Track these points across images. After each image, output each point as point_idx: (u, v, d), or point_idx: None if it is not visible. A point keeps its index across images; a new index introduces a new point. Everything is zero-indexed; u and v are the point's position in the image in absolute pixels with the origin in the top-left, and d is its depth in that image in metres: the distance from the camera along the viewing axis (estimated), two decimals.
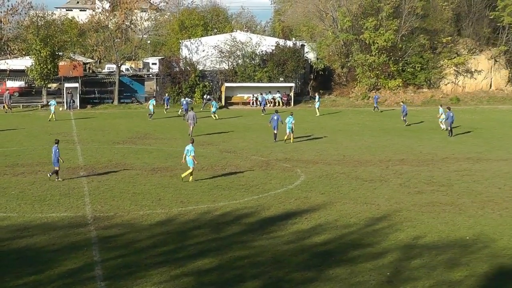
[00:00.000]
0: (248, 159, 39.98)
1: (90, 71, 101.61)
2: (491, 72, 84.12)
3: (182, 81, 74.69)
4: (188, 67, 75.65)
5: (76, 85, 73.46)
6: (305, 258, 21.65)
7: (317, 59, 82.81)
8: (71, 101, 71.61)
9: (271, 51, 77.56)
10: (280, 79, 76.72)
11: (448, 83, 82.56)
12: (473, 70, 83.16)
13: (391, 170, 37.08)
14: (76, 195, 30.15)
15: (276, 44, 78.48)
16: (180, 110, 64.95)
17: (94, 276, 19.69)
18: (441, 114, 55.84)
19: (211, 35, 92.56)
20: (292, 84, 76.55)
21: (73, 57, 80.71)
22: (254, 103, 75.16)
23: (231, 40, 78.49)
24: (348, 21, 77.81)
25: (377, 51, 77.03)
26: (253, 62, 77.46)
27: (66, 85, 72.83)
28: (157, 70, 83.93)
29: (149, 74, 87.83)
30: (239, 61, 77.81)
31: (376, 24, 77.08)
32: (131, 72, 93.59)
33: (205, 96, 72.84)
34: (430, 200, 29.89)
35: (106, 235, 23.84)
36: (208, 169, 36.89)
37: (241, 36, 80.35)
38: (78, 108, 71.86)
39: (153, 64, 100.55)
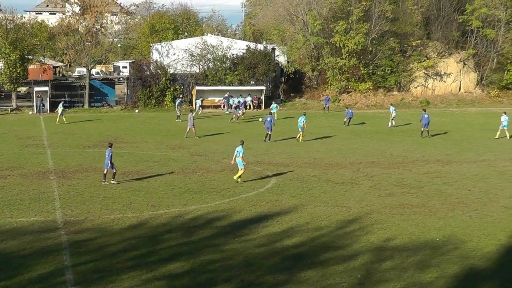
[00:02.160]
0: (219, 162, 39.93)
1: (60, 74, 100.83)
2: (460, 75, 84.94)
3: (153, 84, 74.48)
4: (158, 71, 75.49)
5: (46, 88, 72.91)
6: (276, 261, 21.65)
7: (288, 62, 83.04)
8: (41, 105, 71.05)
9: (242, 55, 77.62)
10: (251, 82, 76.78)
11: (418, 86, 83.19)
12: (442, 73, 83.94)
13: (362, 172, 37.23)
14: (46, 200, 29.89)
15: (247, 48, 78.56)
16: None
17: (65, 281, 19.53)
18: (392, 112, 58.89)
19: (181, 38, 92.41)
20: (263, 88, 76.66)
21: (43, 60, 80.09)
22: (225, 106, 75.11)
23: (202, 44, 78.44)
24: (318, 24, 78.11)
25: (347, 54, 77.45)
26: (224, 65, 77.49)
27: (36, 89, 72.26)
28: (128, 74, 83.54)
29: (119, 78, 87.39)
30: (210, 64, 77.80)
31: (346, 27, 77.48)
32: (102, 75, 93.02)
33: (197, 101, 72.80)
34: (400, 202, 30.06)
35: (76, 239, 23.66)
36: (179, 173, 36.80)
37: (212, 39, 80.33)
38: (48, 112, 71.32)
39: (123, 67, 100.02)
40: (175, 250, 22.67)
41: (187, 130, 51.31)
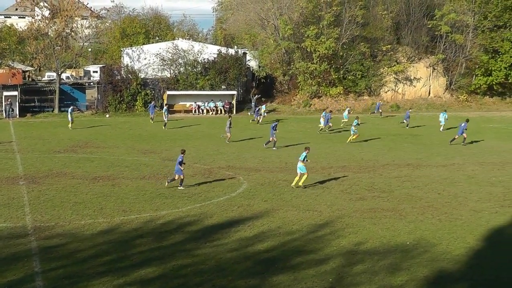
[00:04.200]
0: (191, 167, 39.83)
1: (30, 79, 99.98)
2: (429, 79, 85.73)
3: (123, 89, 74.12)
4: (129, 75, 75.12)
5: (15, 93, 72.21)
6: (248, 265, 21.69)
7: (259, 67, 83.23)
8: (10, 109, 70.38)
9: (213, 59, 77.53)
10: (222, 87, 76.74)
11: (388, 90, 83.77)
12: (412, 77, 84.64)
13: (333, 177, 37.39)
14: (16, 205, 29.62)
15: (218, 52, 78.50)
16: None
17: (35, 287, 19.40)
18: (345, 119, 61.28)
19: (153, 43, 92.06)
20: (234, 92, 76.63)
21: (12, 65, 79.24)
22: (197, 111, 75.05)
23: (173, 48, 78.20)
24: (289, 29, 78.35)
25: (318, 59, 77.73)
26: (195, 70, 77.31)
27: (5, 93, 71.53)
28: (98, 78, 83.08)
29: (90, 82, 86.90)
30: (181, 69, 77.57)
31: (317, 32, 77.76)
32: (72, 80, 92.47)
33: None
34: (371, 206, 30.25)
35: (47, 245, 23.48)
36: (150, 178, 36.69)
37: (183, 44, 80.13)
38: (18, 116, 70.68)
39: (94, 72, 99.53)
40: (147, 255, 22.60)
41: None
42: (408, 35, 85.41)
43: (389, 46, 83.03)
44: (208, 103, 75.48)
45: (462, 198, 32.52)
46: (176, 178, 33.95)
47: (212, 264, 21.76)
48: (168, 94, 74.23)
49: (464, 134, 51.61)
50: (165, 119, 61.01)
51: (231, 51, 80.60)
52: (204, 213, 28.73)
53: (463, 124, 51.86)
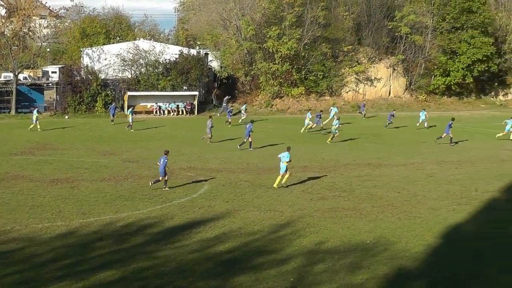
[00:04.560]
0: (152, 169, 39.57)
1: None
2: (390, 80, 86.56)
3: (83, 90, 73.37)
4: (89, 76, 74.41)
5: None
6: (209, 266, 21.59)
7: (221, 67, 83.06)
8: None
9: (174, 60, 77.20)
10: (184, 87, 76.47)
11: (349, 90, 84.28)
12: (373, 78, 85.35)
13: (294, 177, 37.24)
14: None
15: (179, 53, 78.22)
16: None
17: None
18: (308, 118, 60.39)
19: (113, 43, 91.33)
20: (196, 93, 76.40)
21: None
22: (158, 111, 74.67)
23: (134, 48, 77.69)
24: (251, 29, 78.36)
25: (280, 59, 77.89)
26: (156, 70, 76.89)
27: None
28: (57, 79, 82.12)
29: (48, 83, 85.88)
30: (142, 69, 77.10)
31: (279, 32, 77.92)
32: (30, 80, 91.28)
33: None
34: (332, 206, 30.35)
35: (2, 250, 23.03)
36: (110, 180, 36.34)
37: (144, 44, 79.66)
38: None
39: (53, 72, 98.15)
40: (106, 258, 22.36)
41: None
42: (369, 36, 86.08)
43: (350, 46, 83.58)
44: (169, 104, 75.12)
45: (421, 196, 32.83)
46: (160, 179, 33.80)
47: (173, 265, 21.61)
48: (129, 95, 73.74)
49: (450, 134, 52.12)
50: (130, 120, 60.44)
51: (193, 52, 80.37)
52: (165, 214, 28.55)
53: (450, 123, 52.65)
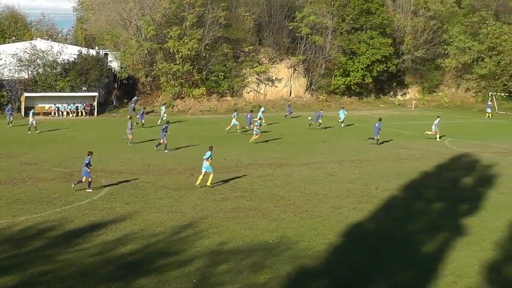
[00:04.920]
0: (50, 171, 38.81)
1: None
2: (291, 80, 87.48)
3: None
4: None
5: None
6: (111, 269, 21.37)
7: (121, 68, 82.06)
8: None
9: (73, 60, 75.74)
10: (83, 88, 75.17)
11: (251, 91, 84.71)
12: (274, 78, 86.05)
13: (196, 178, 37.30)
14: None
15: (78, 53, 76.79)
16: None
17: None
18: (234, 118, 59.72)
19: (9, 42, 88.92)
20: (96, 94, 75.16)
21: None
22: (56, 113, 73.14)
23: (31, 48, 75.73)
24: (152, 29, 77.78)
25: (181, 60, 77.58)
26: (54, 71, 75.24)
27: None
28: None
29: None
30: (40, 70, 75.29)
31: (180, 33, 77.59)
32: None
33: None
34: (234, 206, 30.48)
35: None
36: (7, 183, 35.34)
37: (41, 44, 77.84)
38: None
39: None
40: (4, 263, 21.81)
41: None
42: (270, 37, 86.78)
43: (251, 47, 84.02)
44: (68, 105, 73.71)
45: (323, 195, 33.33)
46: (83, 180, 33.31)
47: (74, 269, 21.28)
48: (26, 96, 71.86)
49: (377, 135, 52.75)
50: (31, 122, 58.75)
51: (92, 52, 79.12)
52: (64, 217, 28.04)
53: (377, 124, 52.98)
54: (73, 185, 33.50)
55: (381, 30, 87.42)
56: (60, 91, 74.05)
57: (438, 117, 58.28)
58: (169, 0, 79.32)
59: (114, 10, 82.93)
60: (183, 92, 79.76)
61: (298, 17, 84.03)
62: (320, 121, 62.82)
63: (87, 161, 33.42)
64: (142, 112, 65.93)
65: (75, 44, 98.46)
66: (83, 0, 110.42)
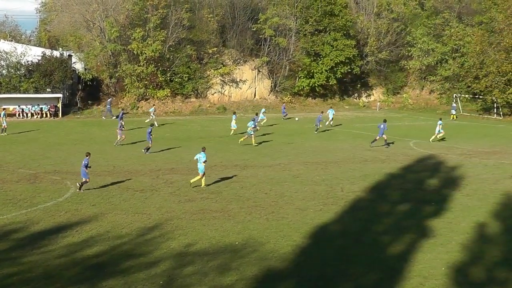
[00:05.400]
0: (15, 173, 38.51)
1: None
2: (255, 82, 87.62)
3: None
4: None
5: None
6: (77, 271, 21.31)
7: (85, 69, 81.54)
8: None
9: (37, 61, 75.25)
10: (47, 90, 74.62)
11: (215, 92, 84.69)
12: (238, 80, 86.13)
13: (162, 179, 37.36)
14: None
15: (42, 54, 76.26)
16: None
17: None
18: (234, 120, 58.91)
19: None
20: (60, 95, 74.69)
21: None
22: (21, 114, 72.48)
23: None
24: (116, 31, 77.47)
25: (145, 61, 77.40)
26: (18, 72, 74.70)
27: None
28: None
29: None
30: (3, 71, 74.68)
31: (144, 34, 77.40)
32: None
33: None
34: (200, 208, 30.51)
35: None
36: None
37: (4, 45, 77.12)
38: None
39: None
40: None
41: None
42: (234, 38, 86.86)
43: (215, 48, 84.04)
44: (32, 106, 73.10)
45: (288, 197, 33.47)
46: (84, 180, 33.66)
47: (40, 271, 21.19)
48: None
49: (384, 136, 52.68)
50: (3, 124, 58.08)
51: (56, 54, 78.54)
52: (30, 219, 27.88)
53: (382, 125, 52.88)
54: (77, 190, 33.59)
55: (345, 32, 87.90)
56: (24, 93, 73.56)
57: (440, 119, 58.97)
58: (133, 1, 79.17)
59: (77, 12, 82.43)
60: (147, 94, 79.54)
61: (262, 19, 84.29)
62: (325, 121, 64.28)
63: (86, 162, 33.61)
64: (121, 113, 65.33)
65: (39, 46, 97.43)
66: (46, 2, 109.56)
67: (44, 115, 73.11)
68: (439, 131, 56.46)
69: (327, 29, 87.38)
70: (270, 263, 22.59)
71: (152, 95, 79.44)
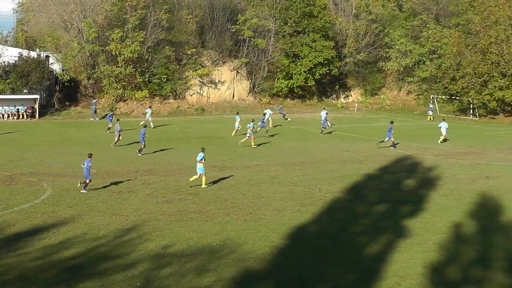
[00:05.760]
0: None
1: None
2: (233, 83, 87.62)
3: None
4: None
5: None
6: (54, 273, 21.22)
7: (63, 70, 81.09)
8: None
9: (14, 62, 74.75)
10: (24, 91, 74.13)
11: (194, 93, 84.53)
12: (217, 81, 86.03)
13: (140, 180, 37.28)
14: None
15: (19, 55, 75.78)
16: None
17: None
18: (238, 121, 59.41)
19: None
20: (37, 96, 74.24)
21: None
22: (2, 116, 71.99)
23: None
24: (94, 32, 77.15)
25: (123, 62, 77.15)
26: None
27: None
28: None
29: None
30: None
31: (122, 35, 77.16)
32: None
33: None
34: (178, 209, 30.48)
35: None
36: None
37: None
38: None
39: None
40: None
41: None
42: (213, 39, 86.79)
43: (194, 49, 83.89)
44: (9, 107, 72.60)
45: (266, 198, 33.51)
46: (87, 181, 33.84)
47: (15, 274, 21.06)
48: None
49: (392, 137, 52.64)
50: None
51: (33, 54, 78.07)
52: (5, 221, 27.70)
53: (390, 127, 52.98)
54: (81, 190, 33.75)
55: (324, 33, 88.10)
56: (0, 94, 72.96)
57: (443, 120, 59.22)
58: (111, 2, 78.89)
59: (55, 12, 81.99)
60: (125, 95, 79.24)
61: (241, 20, 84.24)
62: (328, 123, 64.43)
63: (89, 164, 34.05)
64: (111, 114, 65.03)
65: (16, 46, 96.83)
66: (23, 2, 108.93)
67: (21, 116, 72.65)
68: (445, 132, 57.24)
69: (306, 30, 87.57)
70: (248, 264, 22.61)
71: (131, 96, 79.18)
